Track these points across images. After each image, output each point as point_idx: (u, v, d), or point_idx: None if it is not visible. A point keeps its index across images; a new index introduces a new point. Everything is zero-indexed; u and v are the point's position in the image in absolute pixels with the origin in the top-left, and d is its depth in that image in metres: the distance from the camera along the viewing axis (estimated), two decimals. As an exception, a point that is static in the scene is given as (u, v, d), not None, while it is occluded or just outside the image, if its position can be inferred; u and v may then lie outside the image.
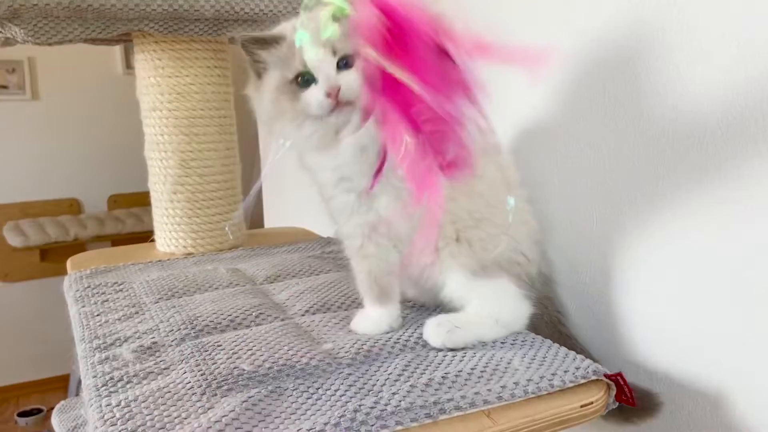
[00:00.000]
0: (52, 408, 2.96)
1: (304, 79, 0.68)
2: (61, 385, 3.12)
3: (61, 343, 3.06)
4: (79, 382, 2.74)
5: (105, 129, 3.20)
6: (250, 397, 0.64)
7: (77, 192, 3.23)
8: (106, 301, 0.94)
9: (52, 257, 3.08)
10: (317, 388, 0.66)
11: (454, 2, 1.01)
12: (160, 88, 1.17)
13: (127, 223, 3.09)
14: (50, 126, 3.11)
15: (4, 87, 2.97)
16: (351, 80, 0.67)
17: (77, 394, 2.82)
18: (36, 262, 3.05)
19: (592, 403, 0.64)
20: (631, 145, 0.76)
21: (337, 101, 0.67)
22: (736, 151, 0.65)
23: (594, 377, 0.67)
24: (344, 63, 0.67)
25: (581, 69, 0.82)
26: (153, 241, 1.29)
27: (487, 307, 0.76)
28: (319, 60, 0.67)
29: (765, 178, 0.63)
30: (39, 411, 2.97)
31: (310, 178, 0.78)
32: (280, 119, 0.71)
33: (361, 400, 0.63)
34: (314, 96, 0.68)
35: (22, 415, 2.93)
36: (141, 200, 3.24)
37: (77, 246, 3.05)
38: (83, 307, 0.92)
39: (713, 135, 0.67)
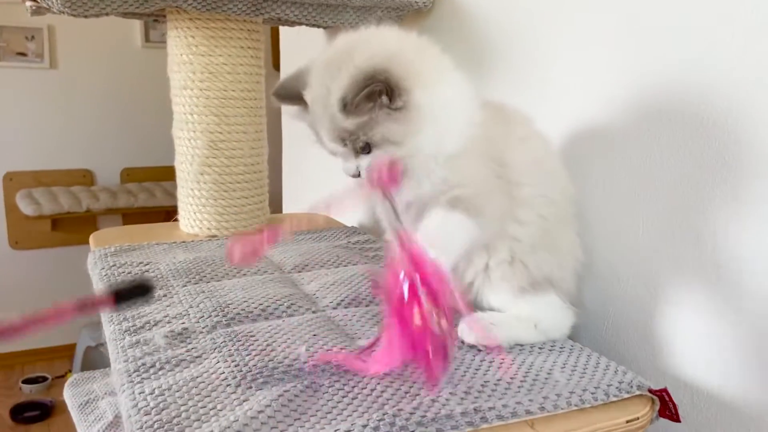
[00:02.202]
0: (57, 376, 3.00)
1: None
2: (67, 354, 3.13)
3: (69, 313, 3.09)
4: (85, 352, 2.73)
5: (121, 101, 3.18)
6: (286, 392, 0.63)
7: (91, 163, 3.22)
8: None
9: (63, 227, 3.08)
10: (353, 387, 0.65)
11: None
12: (192, 66, 1.14)
13: (140, 197, 3.08)
14: (67, 95, 3.09)
15: (23, 54, 2.95)
16: (370, 163, 0.68)
17: (82, 366, 2.83)
18: (47, 231, 3.06)
19: (638, 418, 0.63)
20: (687, 156, 0.74)
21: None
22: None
23: (638, 392, 0.65)
24: (362, 149, 0.68)
25: (638, 81, 0.80)
26: (176, 220, 1.28)
27: (527, 311, 0.74)
28: (335, 149, 0.70)
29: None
30: (44, 379, 2.98)
31: None
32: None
33: (398, 403, 0.62)
34: (342, 166, 0.71)
35: (27, 382, 2.94)
36: (154, 174, 3.24)
37: (89, 217, 3.05)
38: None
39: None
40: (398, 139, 0.66)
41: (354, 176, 0.69)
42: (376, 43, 0.68)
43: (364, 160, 0.68)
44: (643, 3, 0.78)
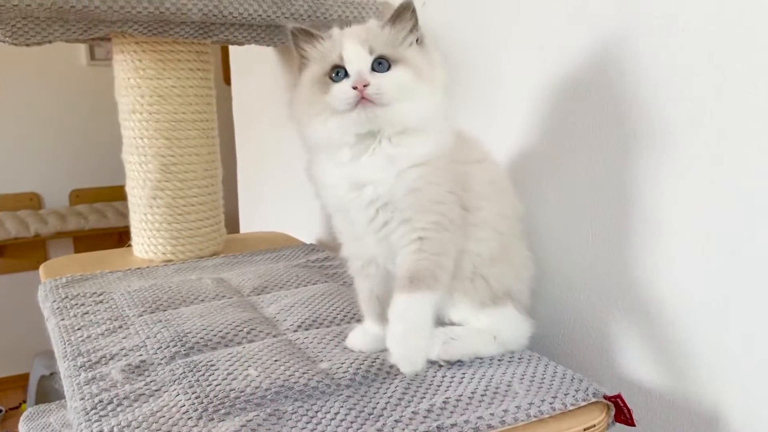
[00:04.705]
0: (11, 408, 2.88)
1: (338, 73, 0.69)
2: (20, 385, 3.02)
3: (19, 342, 2.98)
4: (39, 382, 2.64)
5: (67, 121, 3.09)
6: (249, 421, 0.62)
7: (38, 186, 3.12)
8: (87, 313, 0.91)
9: (11, 253, 2.97)
10: (316, 411, 0.65)
11: (442, 27, 1.01)
12: (140, 90, 1.13)
13: (90, 218, 3.00)
14: (10, 117, 2.99)
15: (-38, 76, 2.85)
16: (382, 82, 0.68)
17: (37, 396, 2.74)
18: (-6, 258, 2.95)
19: (594, 425, 0.64)
20: (627, 163, 0.77)
21: (363, 97, 0.67)
22: (738, 178, 0.66)
23: (594, 399, 0.67)
24: (379, 64, 0.68)
25: (575, 92, 0.83)
26: (129, 245, 1.25)
27: (487, 324, 0.76)
28: (354, 54, 0.68)
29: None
30: (-3, 412, 2.87)
31: (316, 190, 0.76)
32: (308, 112, 0.71)
33: (362, 425, 0.62)
34: (342, 88, 0.68)
35: (-22, 416, 2.83)
36: (104, 195, 3.15)
37: (38, 242, 2.95)
38: (62, 320, 0.89)
39: (711, 154, 0.68)
40: (418, 64, 0.69)
41: (356, 86, 0.67)
42: None
43: (377, 76, 0.68)
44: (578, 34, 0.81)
